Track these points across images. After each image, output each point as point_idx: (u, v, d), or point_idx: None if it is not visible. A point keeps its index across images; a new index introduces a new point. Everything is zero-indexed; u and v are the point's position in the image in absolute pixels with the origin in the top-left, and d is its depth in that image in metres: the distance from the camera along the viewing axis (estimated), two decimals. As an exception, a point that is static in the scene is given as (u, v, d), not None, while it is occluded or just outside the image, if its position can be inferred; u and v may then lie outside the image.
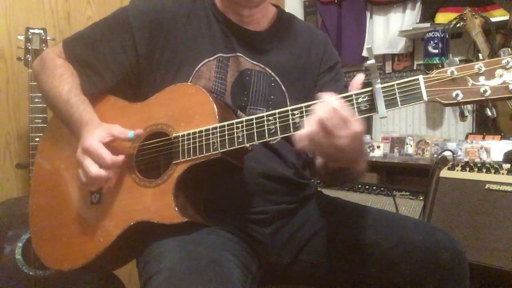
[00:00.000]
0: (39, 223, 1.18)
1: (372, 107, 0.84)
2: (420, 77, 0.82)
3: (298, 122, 0.88)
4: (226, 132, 0.94)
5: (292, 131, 0.89)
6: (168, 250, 0.92)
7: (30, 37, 1.68)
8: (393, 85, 0.83)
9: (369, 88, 0.85)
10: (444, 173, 1.70)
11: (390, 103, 0.83)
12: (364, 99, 0.85)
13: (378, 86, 0.83)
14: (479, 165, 1.66)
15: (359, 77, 0.88)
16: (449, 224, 1.61)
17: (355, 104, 0.85)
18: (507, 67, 0.77)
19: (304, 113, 0.88)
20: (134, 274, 1.02)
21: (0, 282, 1.58)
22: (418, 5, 2.56)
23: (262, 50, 1.14)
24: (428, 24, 2.43)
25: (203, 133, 0.96)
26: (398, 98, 0.83)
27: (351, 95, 0.86)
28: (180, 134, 1.00)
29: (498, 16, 2.20)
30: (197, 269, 0.84)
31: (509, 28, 2.10)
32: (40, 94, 1.57)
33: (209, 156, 0.95)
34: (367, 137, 2.67)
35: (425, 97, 0.81)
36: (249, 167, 1.05)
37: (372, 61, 0.85)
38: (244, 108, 1.10)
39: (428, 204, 1.73)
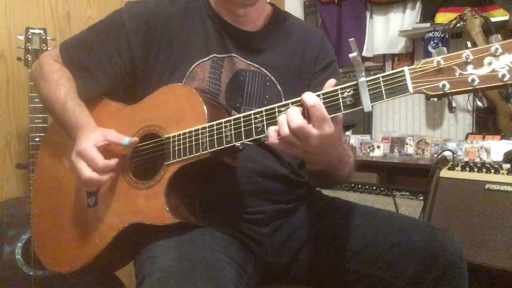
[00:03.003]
0: (40, 225, 1.19)
1: (357, 101, 0.82)
2: (406, 68, 0.79)
3: None
4: (215, 132, 0.94)
5: None
6: (162, 251, 0.93)
7: (30, 37, 1.68)
8: (378, 77, 0.80)
9: (354, 82, 0.82)
10: (444, 173, 1.70)
11: (375, 97, 0.80)
12: (350, 93, 0.82)
13: (363, 79, 0.81)
14: (479, 165, 1.66)
15: (331, 81, 0.86)
16: (449, 224, 1.61)
17: (340, 99, 0.83)
18: (496, 54, 0.73)
19: None
20: (134, 274, 1.02)
21: (0, 282, 1.58)
22: (418, 5, 2.56)
23: (257, 50, 1.14)
24: (428, 24, 2.43)
25: (193, 133, 0.96)
26: (383, 90, 0.80)
27: (336, 90, 0.84)
28: (171, 135, 1.00)
29: (498, 16, 2.20)
30: (189, 270, 0.84)
31: (509, 28, 2.10)
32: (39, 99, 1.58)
33: (199, 156, 0.95)
34: (367, 137, 2.67)
35: (410, 89, 0.78)
36: (245, 166, 1.05)
37: (354, 54, 0.80)
38: (238, 109, 1.10)
39: (428, 204, 1.73)
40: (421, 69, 0.78)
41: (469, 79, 0.75)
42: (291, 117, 0.82)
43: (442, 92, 0.77)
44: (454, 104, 0.80)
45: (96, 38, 1.13)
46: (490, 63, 0.74)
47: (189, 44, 1.10)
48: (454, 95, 0.79)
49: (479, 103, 0.79)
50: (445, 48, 0.78)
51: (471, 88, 0.75)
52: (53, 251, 1.14)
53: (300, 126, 0.81)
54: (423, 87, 0.78)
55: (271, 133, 0.85)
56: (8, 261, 1.60)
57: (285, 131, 0.82)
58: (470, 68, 0.75)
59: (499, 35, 0.75)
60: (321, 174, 1.00)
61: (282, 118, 0.83)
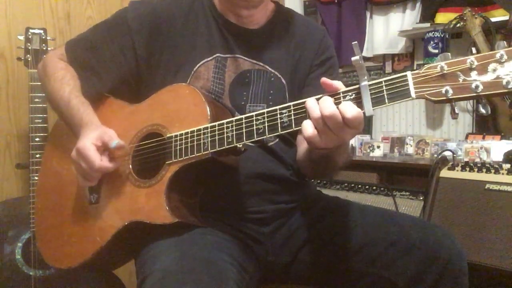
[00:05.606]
0: (42, 221, 1.20)
1: (359, 105, 0.81)
2: (408, 73, 0.78)
3: (286, 122, 0.87)
4: (217, 132, 0.94)
5: (280, 131, 0.88)
6: (163, 251, 0.93)
7: (30, 37, 1.68)
8: (380, 82, 0.80)
9: (357, 86, 0.82)
10: (444, 173, 1.70)
11: (377, 101, 0.80)
12: (352, 97, 0.82)
13: (365, 83, 0.80)
14: (479, 165, 1.66)
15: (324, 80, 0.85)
16: (449, 224, 1.61)
17: (342, 102, 0.82)
18: (501, 61, 0.72)
19: (292, 112, 0.86)
20: (134, 274, 1.03)
21: (0, 282, 1.58)
22: (418, 5, 2.56)
23: (260, 48, 1.14)
24: (428, 24, 2.43)
25: (195, 134, 0.97)
26: (385, 95, 0.79)
27: (338, 94, 0.83)
28: (173, 134, 1.00)
29: (498, 16, 2.21)
30: (190, 269, 0.84)
31: (509, 28, 2.10)
32: (41, 95, 1.60)
33: (200, 157, 0.95)
34: (367, 137, 2.68)
35: (413, 94, 0.77)
36: (247, 168, 1.05)
37: (357, 57, 0.80)
38: (243, 106, 1.11)
39: (428, 204, 1.73)
40: (424, 74, 0.77)
41: (473, 86, 0.74)
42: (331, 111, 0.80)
43: (445, 98, 0.76)
44: (457, 111, 0.79)
45: (100, 37, 1.14)
46: (494, 70, 0.73)
47: (194, 44, 1.11)
48: (457, 101, 0.78)
49: (483, 110, 0.77)
50: (449, 54, 0.77)
51: (474, 94, 0.74)
52: (55, 246, 1.15)
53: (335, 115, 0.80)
54: (426, 93, 0.77)
55: (307, 125, 0.83)
56: (8, 261, 1.60)
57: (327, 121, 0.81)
58: (474, 74, 0.74)
59: (504, 42, 0.74)
60: (321, 159, 1.00)
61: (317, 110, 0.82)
